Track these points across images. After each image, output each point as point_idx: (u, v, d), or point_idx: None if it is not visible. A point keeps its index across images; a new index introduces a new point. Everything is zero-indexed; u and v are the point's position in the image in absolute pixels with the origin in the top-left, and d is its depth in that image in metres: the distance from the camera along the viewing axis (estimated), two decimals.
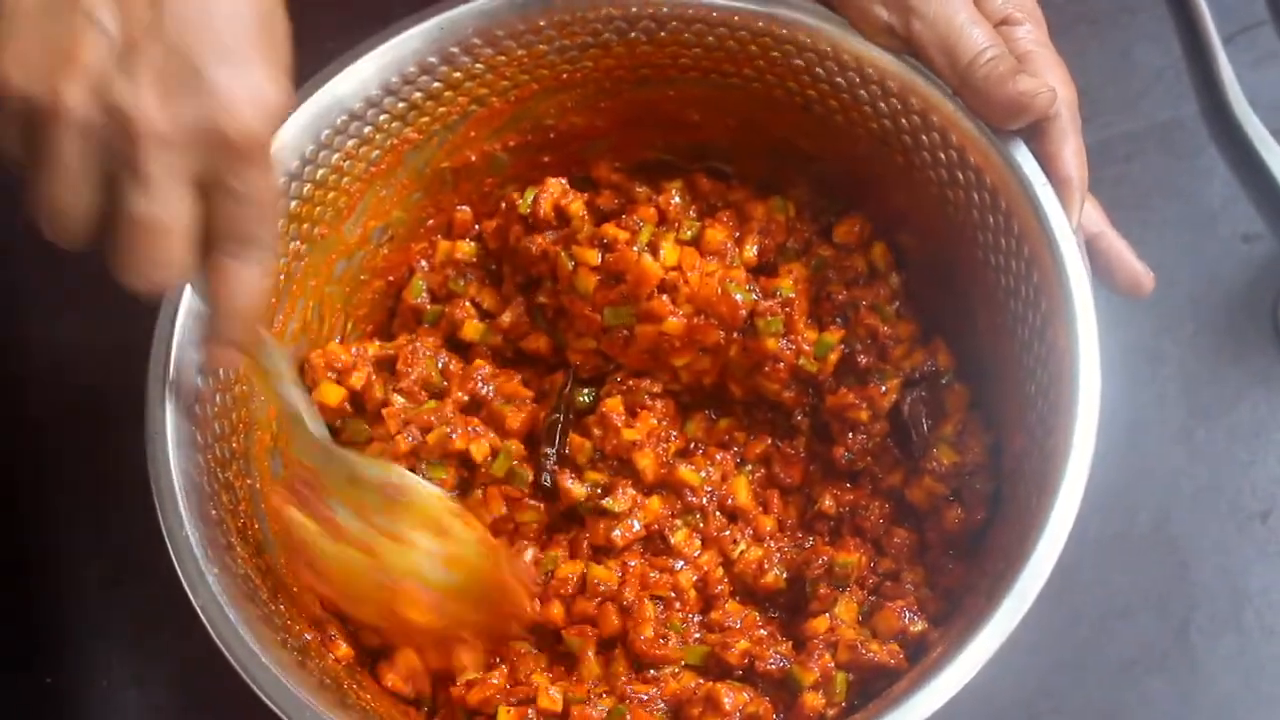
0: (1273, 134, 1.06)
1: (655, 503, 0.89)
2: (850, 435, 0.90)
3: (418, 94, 0.90)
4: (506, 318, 0.95)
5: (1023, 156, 0.81)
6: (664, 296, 0.89)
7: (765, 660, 0.82)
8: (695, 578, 0.89)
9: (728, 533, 0.90)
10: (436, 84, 0.90)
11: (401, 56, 0.88)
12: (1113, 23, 1.12)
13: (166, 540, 0.76)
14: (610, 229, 0.90)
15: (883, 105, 0.86)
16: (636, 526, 0.88)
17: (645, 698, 0.82)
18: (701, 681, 0.83)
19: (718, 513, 0.90)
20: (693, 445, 0.94)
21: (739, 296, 0.88)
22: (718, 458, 0.92)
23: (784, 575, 0.89)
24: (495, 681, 0.85)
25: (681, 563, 0.89)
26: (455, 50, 0.89)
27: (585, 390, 0.94)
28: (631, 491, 0.89)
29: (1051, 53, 0.83)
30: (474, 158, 0.96)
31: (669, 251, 0.89)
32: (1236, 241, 1.05)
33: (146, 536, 0.76)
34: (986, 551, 0.84)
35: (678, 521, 0.90)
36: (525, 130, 0.95)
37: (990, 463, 0.87)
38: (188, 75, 0.63)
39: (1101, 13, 1.13)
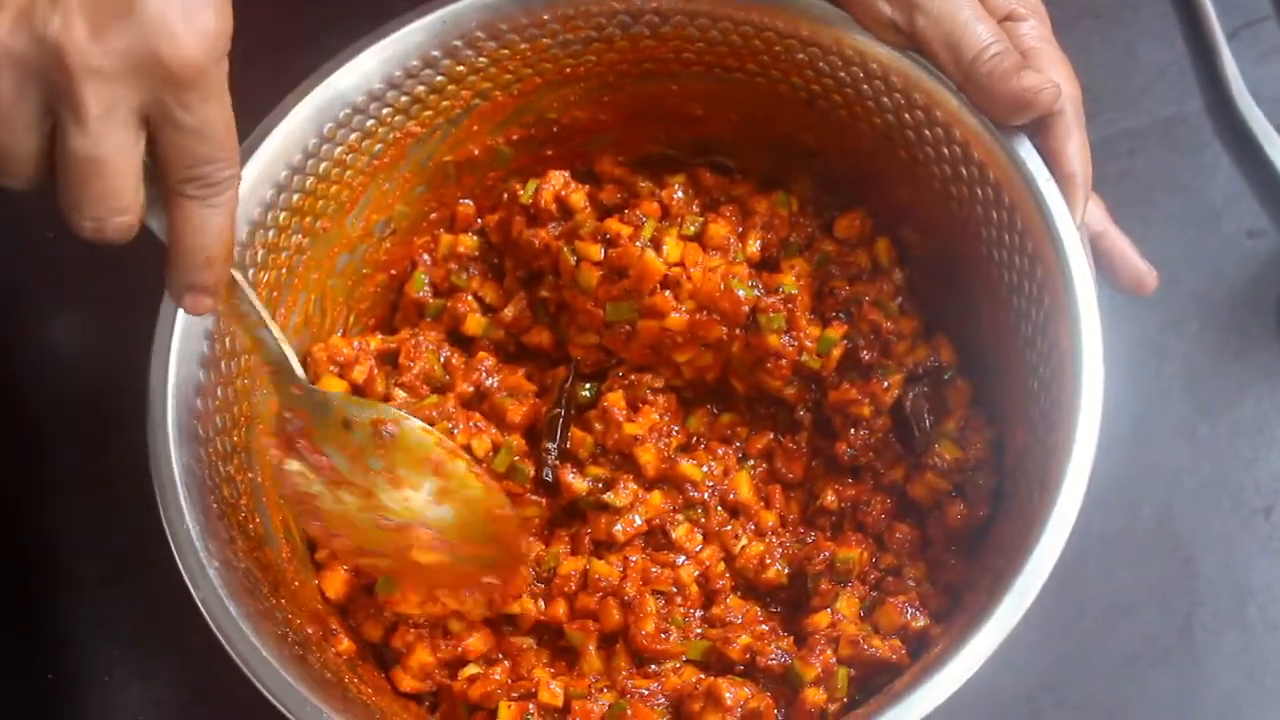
0: (1277, 129, 1.06)
1: (657, 498, 0.89)
2: (852, 431, 0.90)
3: (420, 88, 0.90)
4: (509, 312, 0.95)
5: (1027, 152, 0.81)
6: (666, 292, 0.89)
7: (766, 655, 0.82)
8: (697, 573, 0.89)
9: (729, 528, 0.90)
10: (439, 78, 0.90)
11: (404, 50, 0.88)
12: (1116, 18, 1.12)
13: (167, 534, 0.76)
14: (613, 224, 0.90)
15: (886, 101, 0.86)
16: (638, 521, 0.88)
17: (646, 692, 0.82)
18: (703, 676, 0.83)
19: (719, 508, 0.90)
20: (694, 440, 0.94)
21: (741, 293, 0.88)
22: (719, 453, 0.92)
23: (785, 570, 0.89)
24: (497, 676, 0.85)
25: (683, 558, 0.89)
26: (458, 44, 0.89)
27: (587, 385, 0.94)
28: (633, 486, 0.89)
29: (1056, 49, 0.82)
30: (477, 151, 0.96)
31: (672, 247, 0.89)
32: (1240, 237, 1.05)
33: (147, 533, 0.77)
34: (988, 547, 0.84)
35: (679, 516, 0.90)
36: (528, 124, 0.95)
37: (992, 458, 0.87)
38: (121, 6, 0.61)
39: (1105, 8, 1.13)
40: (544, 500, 0.91)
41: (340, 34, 0.87)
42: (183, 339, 0.80)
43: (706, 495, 0.90)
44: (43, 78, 0.61)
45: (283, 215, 0.87)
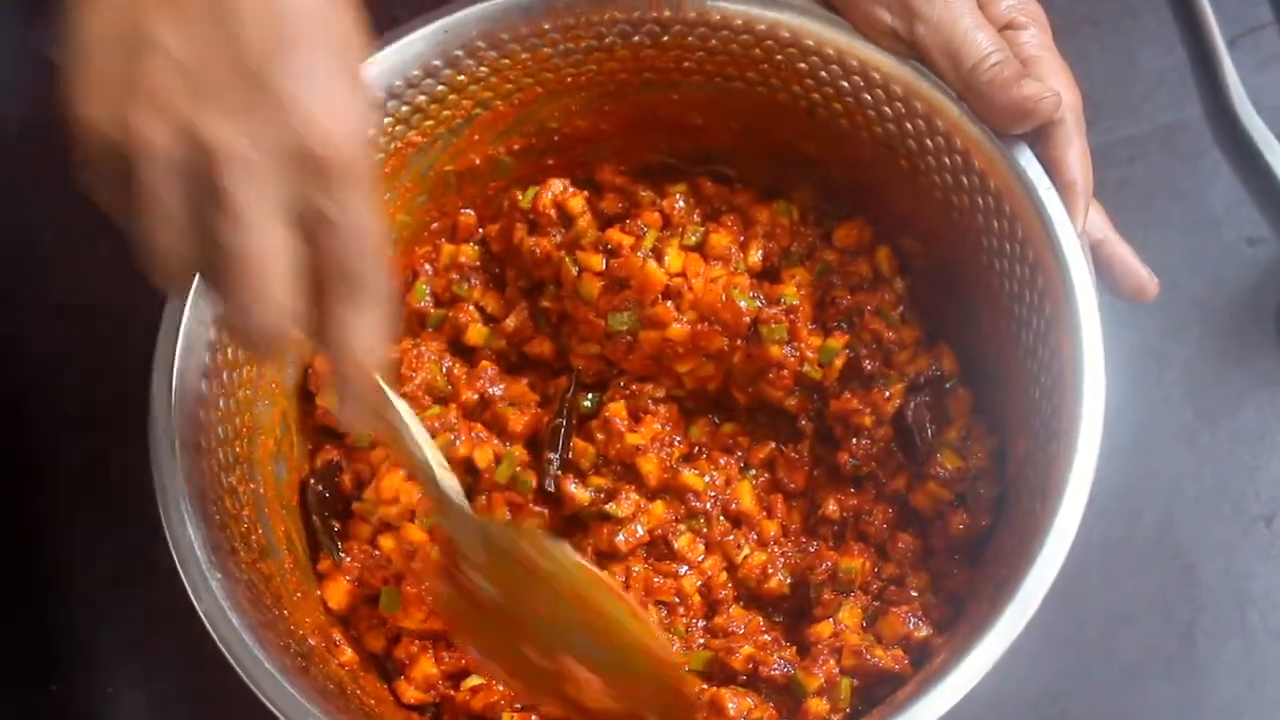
0: (1277, 137, 1.06)
1: (659, 508, 0.89)
2: (854, 440, 0.90)
3: (421, 97, 0.90)
4: (510, 322, 0.95)
5: (1027, 161, 0.81)
6: (668, 303, 0.89)
7: (769, 665, 0.82)
8: (699, 583, 0.89)
9: (731, 537, 0.90)
10: (440, 87, 0.90)
11: (405, 60, 0.88)
12: (1116, 26, 1.12)
13: (170, 545, 0.76)
14: (614, 234, 0.90)
15: (887, 110, 0.86)
16: (640, 531, 0.88)
17: None
18: (705, 687, 0.83)
19: (721, 518, 0.90)
20: (696, 450, 0.94)
21: (743, 304, 0.88)
22: (721, 462, 0.92)
23: (788, 580, 0.89)
24: (500, 688, 0.84)
25: (685, 568, 0.89)
26: (459, 53, 0.89)
27: (589, 395, 0.94)
28: (635, 496, 0.89)
29: (1056, 57, 0.82)
30: (478, 161, 0.96)
31: (673, 257, 0.89)
32: (1240, 245, 1.05)
33: (150, 545, 0.77)
34: (991, 557, 0.84)
35: (681, 526, 0.90)
36: (529, 133, 0.95)
37: (994, 468, 0.87)
38: (260, 94, 0.58)
39: (1104, 16, 1.13)
40: (546, 511, 0.90)
41: None
42: (185, 350, 0.80)
43: (709, 505, 0.90)
44: (195, 176, 0.58)
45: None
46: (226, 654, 0.74)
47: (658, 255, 0.89)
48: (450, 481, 0.75)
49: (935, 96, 0.83)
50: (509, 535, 0.76)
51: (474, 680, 0.86)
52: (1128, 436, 0.93)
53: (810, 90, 0.89)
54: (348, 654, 0.84)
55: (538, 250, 0.93)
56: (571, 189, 0.94)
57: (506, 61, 0.90)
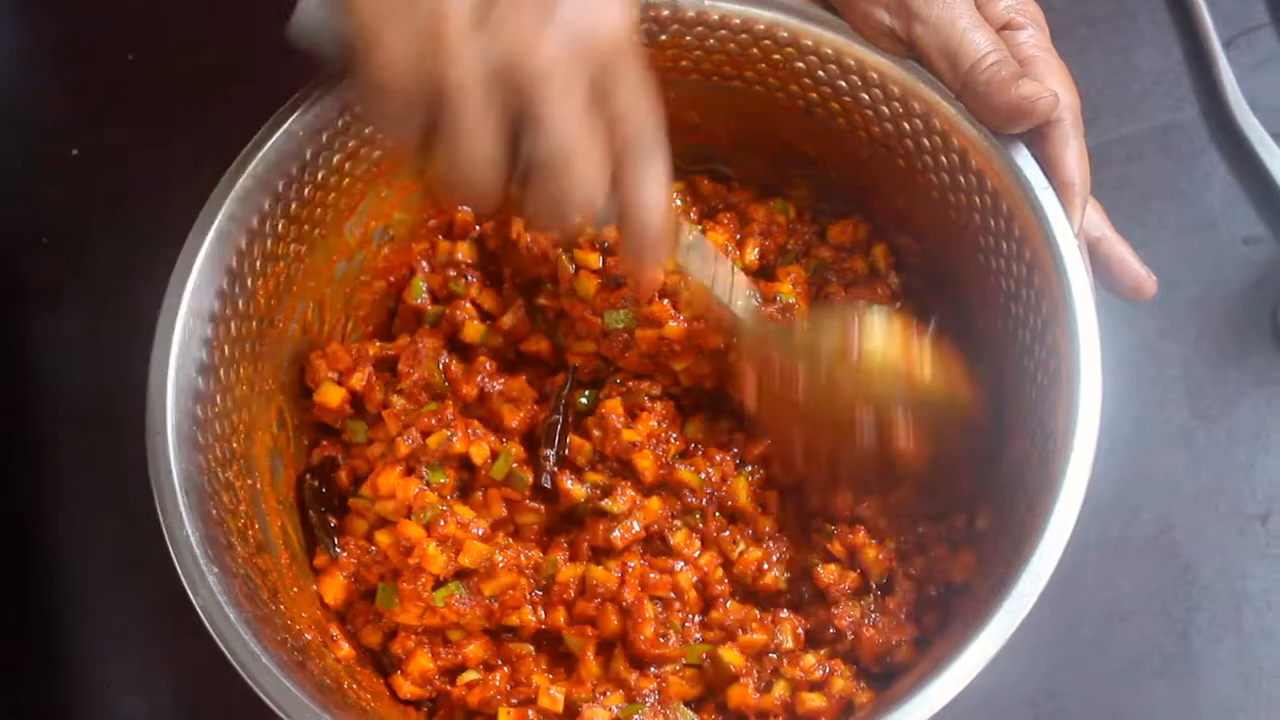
0: (1273, 137, 1.06)
1: (655, 504, 0.89)
2: None
3: None
4: (507, 319, 0.95)
5: (1024, 160, 0.81)
6: (664, 301, 0.89)
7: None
8: (695, 578, 0.89)
9: (727, 533, 0.90)
10: None
11: None
12: (1113, 26, 1.13)
13: (167, 540, 0.76)
14: (611, 232, 0.90)
15: (885, 109, 0.86)
16: (636, 527, 0.88)
17: (645, 693, 0.83)
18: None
19: (717, 513, 0.90)
20: (692, 446, 0.94)
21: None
22: (717, 459, 0.92)
23: (784, 576, 0.89)
24: (496, 682, 0.85)
25: (681, 563, 0.89)
26: None
27: (585, 392, 0.94)
28: (631, 493, 0.89)
29: (1054, 57, 0.82)
30: None
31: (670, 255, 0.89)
32: (1237, 244, 1.05)
33: (147, 540, 0.77)
34: (987, 554, 0.84)
35: (677, 522, 0.90)
36: None
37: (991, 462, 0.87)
38: (545, 11, 0.65)
39: (1101, 16, 1.13)
40: (542, 507, 0.90)
41: None
42: (182, 346, 0.80)
43: (704, 501, 0.90)
44: (505, 100, 0.65)
45: (281, 223, 0.87)
46: (223, 649, 0.74)
47: None
48: (753, 304, 0.85)
49: (933, 96, 0.83)
50: (832, 322, 0.84)
51: (470, 675, 0.86)
52: (1124, 435, 0.94)
53: (808, 89, 0.90)
54: (344, 649, 0.84)
55: (534, 248, 0.93)
56: None
57: None
